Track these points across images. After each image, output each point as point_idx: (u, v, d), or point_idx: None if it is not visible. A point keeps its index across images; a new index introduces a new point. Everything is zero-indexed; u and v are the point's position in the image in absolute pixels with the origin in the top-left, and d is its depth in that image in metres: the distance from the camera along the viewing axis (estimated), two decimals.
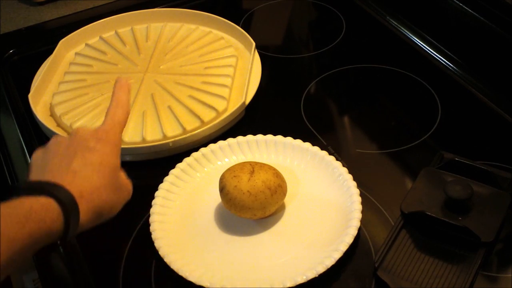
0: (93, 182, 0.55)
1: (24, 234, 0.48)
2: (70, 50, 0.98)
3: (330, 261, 0.62)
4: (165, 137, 0.79)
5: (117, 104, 0.61)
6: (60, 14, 1.11)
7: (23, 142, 0.85)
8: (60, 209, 0.51)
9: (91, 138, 0.58)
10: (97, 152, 0.57)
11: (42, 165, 0.57)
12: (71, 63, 0.94)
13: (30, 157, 0.82)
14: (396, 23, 1.02)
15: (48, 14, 1.12)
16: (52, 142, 0.59)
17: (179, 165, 0.75)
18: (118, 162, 0.58)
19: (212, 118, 0.82)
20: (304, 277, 0.61)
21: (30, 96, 0.86)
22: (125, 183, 0.60)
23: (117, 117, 0.60)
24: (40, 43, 1.04)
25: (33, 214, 0.49)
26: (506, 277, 0.64)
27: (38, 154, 0.59)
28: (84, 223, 0.54)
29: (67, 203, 0.52)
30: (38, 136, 0.85)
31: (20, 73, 0.98)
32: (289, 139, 0.77)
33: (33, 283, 0.88)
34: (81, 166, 0.55)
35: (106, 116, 0.61)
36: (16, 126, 0.87)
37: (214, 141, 0.78)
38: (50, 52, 0.95)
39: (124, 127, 0.61)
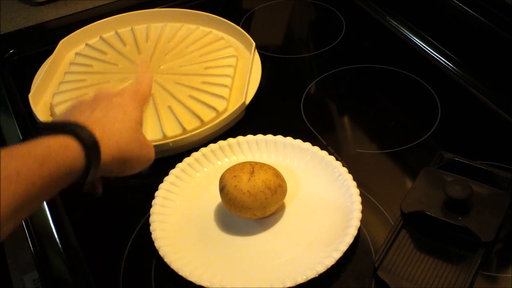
0: (115, 128, 0.56)
1: (43, 173, 0.47)
2: (70, 50, 0.98)
3: (330, 261, 0.62)
4: (165, 137, 0.79)
5: (141, 81, 0.67)
6: (60, 14, 1.11)
7: None
8: (80, 147, 0.50)
9: (113, 94, 0.61)
10: (119, 105, 0.58)
11: (64, 114, 0.58)
12: (71, 63, 0.94)
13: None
14: (396, 23, 1.02)
15: (49, 14, 1.12)
16: (76, 101, 0.61)
17: (179, 165, 0.75)
18: (141, 116, 0.60)
19: (212, 118, 0.82)
20: (304, 277, 0.61)
21: (30, 96, 0.86)
22: (147, 142, 0.61)
23: (141, 92, 0.64)
24: (40, 43, 1.04)
25: (52, 153, 0.48)
26: (506, 277, 0.64)
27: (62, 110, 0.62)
28: (106, 164, 0.53)
29: (87, 140, 0.51)
30: None
31: (20, 73, 0.98)
32: (289, 139, 0.77)
33: (33, 283, 0.88)
34: (104, 114, 0.56)
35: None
36: (16, 126, 0.87)
37: (214, 141, 0.78)
38: (50, 52, 0.95)
39: (144, 104, 0.64)
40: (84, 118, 0.55)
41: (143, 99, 0.63)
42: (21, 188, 0.46)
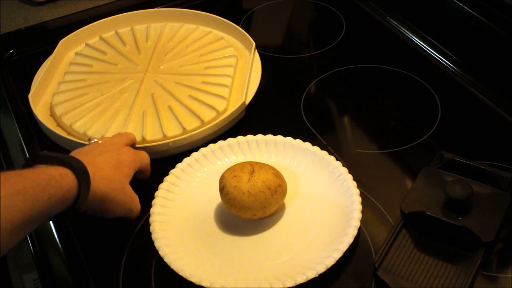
0: (107, 175, 0.64)
1: (44, 196, 0.54)
2: (70, 50, 0.98)
3: (330, 261, 0.62)
4: (165, 137, 0.79)
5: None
6: (60, 14, 1.11)
7: (23, 142, 0.85)
8: (75, 179, 0.58)
9: (124, 146, 0.71)
10: (119, 159, 0.67)
11: (75, 151, 0.68)
12: (71, 63, 0.94)
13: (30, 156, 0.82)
14: (396, 23, 1.02)
15: (48, 14, 1.12)
16: (94, 142, 0.71)
17: (179, 165, 0.75)
18: (130, 173, 0.68)
19: (212, 118, 0.82)
20: (304, 277, 0.61)
21: (30, 96, 0.86)
22: (133, 196, 0.68)
23: (142, 156, 0.73)
24: (40, 43, 1.04)
25: (53, 180, 0.56)
26: (506, 277, 0.64)
27: None
28: (91, 199, 0.61)
29: (81, 174, 0.59)
30: (38, 136, 0.85)
31: (20, 73, 0.98)
32: (289, 139, 0.77)
33: (33, 283, 0.88)
34: (102, 161, 0.65)
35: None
36: (16, 126, 0.87)
37: (214, 141, 0.78)
38: (50, 52, 0.95)
39: (148, 165, 0.73)
40: (87, 158, 0.63)
41: (139, 166, 0.71)
42: (26, 206, 0.53)
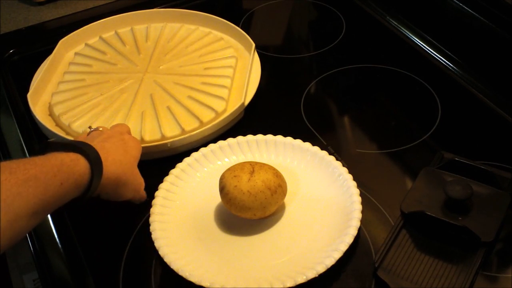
0: (117, 158, 0.65)
1: (56, 182, 0.55)
2: (70, 50, 0.98)
3: (330, 261, 0.62)
4: (163, 137, 0.79)
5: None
6: (60, 14, 1.11)
7: (23, 142, 0.84)
8: (87, 164, 0.59)
9: (126, 133, 0.71)
10: (125, 143, 0.68)
11: (80, 137, 0.70)
12: (70, 63, 0.94)
13: (29, 155, 0.82)
14: (396, 23, 1.02)
15: (48, 14, 1.12)
16: (94, 131, 0.71)
17: (179, 165, 0.75)
18: (137, 156, 0.69)
19: (211, 119, 0.82)
20: (304, 277, 0.61)
21: (29, 95, 0.85)
22: (140, 177, 0.69)
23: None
24: (40, 43, 1.04)
25: (64, 166, 0.57)
26: (506, 277, 0.64)
27: None
28: (104, 184, 0.62)
29: (94, 159, 0.60)
30: (38, 135, 0.85)
31: (20, 73, 0.98)
32: (289, 139, 0.77)
33: (33, 283, 0.88)
34: (111, 146, 0.65)
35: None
36: (16, 125, 0.87)
37: (213, 141, 0.78)
38: (50, 52, 0.95)
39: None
40: (95, 143, 0.64)
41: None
42: (39, 191, 0.54)
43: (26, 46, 1.03)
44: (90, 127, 0.73)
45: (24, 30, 1.08)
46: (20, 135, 0.86)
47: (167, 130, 0.80)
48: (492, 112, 0.83)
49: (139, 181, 0.69)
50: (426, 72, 0.91)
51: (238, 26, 1.00)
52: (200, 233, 0.69)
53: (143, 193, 0.70)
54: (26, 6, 1.15)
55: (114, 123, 0.81)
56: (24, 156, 0.83)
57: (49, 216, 0.73)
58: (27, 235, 0.72)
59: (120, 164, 0.65)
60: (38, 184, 0.53)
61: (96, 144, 0.64)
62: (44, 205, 0.54)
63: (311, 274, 0.61)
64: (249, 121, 0.85)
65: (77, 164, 0.58)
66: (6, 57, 1.01)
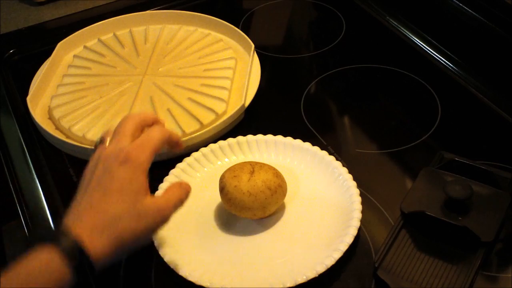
0: (109, 213, 0.55)
1: (38, 286, 0.50)
2: (69, 52, 0.98)
3: (330, 261, 0.62)
4: None
5: (154, 121, 0.64)
6: (61, 14, 1.11)
7: (23, 142, 0.85)
8: (63, 261, 0.51)
9: (114, 161, 0.57)
10: (117, 178, 0.56)
11: (74, 199, 0.58)
12: (69, 66, 0.94)
13: (30, 157, 0.82)
14: (396, 23, 1.02)
15: (48, 14, 1.12)
16: (86, 170, 0.59)
17: (179, 165, 0.75)
18: (141, 185, 0.57)
19: (211, 121, 0.81)
20: (304, 277, 0.61)
21: (28, 99, 0.85)
22: (152, 207, 0.57)
23: (151, 138, 0.60)
24: (40, 43, 1.04)
25: (42, 267, 0.51)
26: (506, 277, 0.64)
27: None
28: (104, 256, 0.54)
29: (72, 253, 0.52)
30: (38, 136, 0.85)
31: (21, 73, 0.98)
32: (289, 139, 0.77)
33: None
34: (100, 198, 0.55)
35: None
36: (17, 126, 0.87)
37: (214, 142, 0.78)
38: (50, 52, 0.95)
39: (160, 146, 0.60)
40: (81, 210, 0.55)
41: (154, 147, 0.60)
42: None
43: (26, 46, 1.03)
44: (102, 138, 0.62)
45: (24, 30, 1.08)
46: (21, 136, 0.86)
47: None
48: (492, 112, 0.83)
49: (153, 215, 0.57)
50: (426, 72, 0.91)
51: (238, 27, 1.00)
52: (200, 233, 0.69)
53: (167, 216, 0.58)
54: (26, 6, 1.15)
55: (114, 125, 0.81)
56: (25, 157, 0.83)
57: (49, 216, 0.74)
58: (27, 235, 0.72)
59: (115, 221, 0.54)
60: None
61: (85, 204, 0.55)
62: None
63: (311, 274, 0.61)
64: (249, 121, 0.84)
65: (52, 263, 0.51)
66: (6, 57, 1.01)
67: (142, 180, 0.57)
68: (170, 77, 0.91)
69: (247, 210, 0.66)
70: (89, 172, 0.58)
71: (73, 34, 0.99)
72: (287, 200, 0.71)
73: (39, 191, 0.77)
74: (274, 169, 0.69)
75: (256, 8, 1.11)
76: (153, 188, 0.72)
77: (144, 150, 0.59)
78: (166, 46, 0.97)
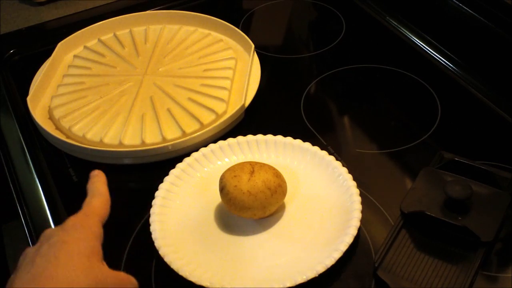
0: (59, 279, 0.47)
1: None
2: (69, 52, 0.98)
3: (330, 261, 0.62)
4: (164, 140, 0.79)
5: (93, 194, 0.58)
6: (61, 14, 1.11)
7: (23, 142, 0.85)
8: None
9: (55, 233, 0.51)
10: (63, 243, 0.49)
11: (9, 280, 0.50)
12: (69, 66, 0.94)
13: (30, 157, 0.82)
14: (396, 23, 1.02)
15: (49, 14, 1.12)
16: (22, 257, 0.51)
17: (179, 165, 0.75)
18: (94, 248, 0.51)
19: (211, 121, 0.81)
20: (304, 277, 0.61)
21: (28, 99, 0.85)
22: (111, 276, 0.51)
23: (92, 206, 0.56)
24: (40, 43, 1.04)
25: None
26: (506, 277, 0.64)
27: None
28: None
29: None
30: (38, 136, 0.85)
31: (21, 73, 0.98)
32: (289, 139, 0.77)
33: None
34: (44, 264, 0.47)
35: (83, 206, 0.56)
36: (17, 126, 0.87)
37: (214, 142, 0.78)
38: (50, 52, 0.95)
39: (104, 217, 0.56)
40: (23, 283, 0.47)
41: (100, 214, 0.55)
42: None
43: (26, 46, 1.03)
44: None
45: (24, 30, 1.08)
46: (21, 136, 0.86)
47: (167, 132, 0.80)
48: (492, 112, 0.84)
49: (116, 283, 0.50)
50: (426, 72, 0.91)
51: (238, 27, 1.00)
52: (200, 233, 0.69)
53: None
54: (26, 6, 1.15)
55: (114, 126, 0.81)
56: (25, 157, 0.83)
57: (49, 216, 0.74)
58: (27, 235, 0.72)
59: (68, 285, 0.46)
60: None
61: (23, 281, 0.47)
62: None
63: (311, 274, 0.61)
64: (249, 122, 0.84)
65: None
66: (6, 57, 1.01)
67: (95, 244, 0.51)
68: (170, 77, 0.91)
69: (247, 210, 0.66)
70: (28, 251, 0.51)
71: (73, 34, 0.99)
72: (287, 200, 0.71)
73: (39, 191, 0.77)
74: (274, 169, 0.69)
75: (256, 8, 1.11)
76: (153, 189, 0.72)
77: (93, 219, 0.54)
78: (166, 46, 0.97)
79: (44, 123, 0.84)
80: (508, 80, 0.85)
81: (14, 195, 0.78)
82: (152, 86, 0.89)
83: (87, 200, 0.57)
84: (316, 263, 0.63)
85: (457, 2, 0.90)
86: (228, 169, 0.69)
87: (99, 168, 0.64)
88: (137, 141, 0.79)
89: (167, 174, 0.74)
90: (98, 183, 0.59)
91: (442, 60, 0.93)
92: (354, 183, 0.70)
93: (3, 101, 0.92)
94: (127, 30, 1.01)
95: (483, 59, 0.89)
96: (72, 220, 0.53)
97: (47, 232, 0.52)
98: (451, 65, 0.92)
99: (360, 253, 0.66)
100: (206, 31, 1.00)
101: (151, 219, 0.68)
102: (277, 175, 0.68)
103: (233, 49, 0.96)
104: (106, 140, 0.79)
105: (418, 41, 0.97)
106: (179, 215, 0.71)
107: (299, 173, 0.75)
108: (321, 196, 0.72)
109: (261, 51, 0.96)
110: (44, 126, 0.82)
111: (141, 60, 0.95)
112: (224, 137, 0.79)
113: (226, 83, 0.88)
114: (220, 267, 0.65)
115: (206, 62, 0.93)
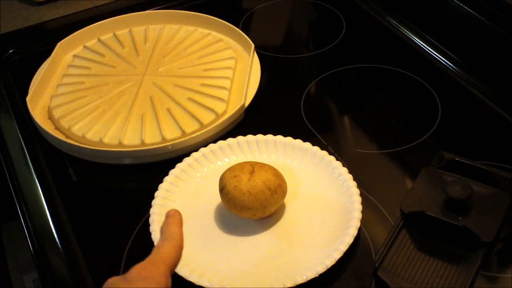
0: None
1: None
2: (68, 52, 0.98)
3: (330, 261, 0.62)
4: (164, 140, 0.79)
5: (164, 237, 0.53)
6: (60, 14, 1.11)
7: (23, 142, 0.85)
8: None
9: (117, 283, 0.49)
10: None
11: None
12: (69, 66, 0.94)
13: (30, 157, 0.82)
14: (396, 23, 1.02)
15: (48, 14, 1.12)
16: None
17: (179, 165, 0.75)
18: None
19: (211, 121, 0.81)
20: (304, 277, 0.61)
21: (28, 99, 0.85)
22: None
23: (161, 252, 0.52)
24: (40, 43, 1.04)
25: None
26: (506, 277, 0.64)
27: None
28: None
29: None
30: (38, 136, 0.85)
31: (20, 73, 0.98)
32: (289, 139, 0.77)
33: (33, 283, 0.88)
34: None
35: (152, 251, 0.52)
36: (16, 126, 0.87)
37: (214, 142, 0.78)
38: (50, 52, 0.95)
39: (174, 265, 0.51)
40: None
41: (171, 263, 0.51)
42: None
43: (26, 46, 1.03)
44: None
45: (24, 30, 1.08)
46: (20, 136, 0.86)
47: (167, 132, 0.80)
48: (492, 112, 0.83)
49: None
50: (426, 72, 0.91)
51: (238, 26, 1.00)
52: (200, 233, 0.69)
53: None
54: (26, 6, 1.15)
55: (114, 125, 0.81)
56: (24, 157, 0.82)
57: (49, 216, 0.74)
58: (27, 235, 0.72)
59: None
60: None
61: None
62: None
63: (311, 274, 0.61)
64: (249, 122, 0.84)
65: None
66: (6, 57, 1.01)
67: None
68: (170, 77, 0.91)
69: (247, 210, 0.66)
70: None
71: (73, 34, 0.98)
72: (287, 200, 0.70)
73: (39, 191, 0.77)
74: (274, 169, 0.69)
75: (256, 8, 1.11)
76: (153, 189, 0.72)
77: (161, 268, 0.50)
78: (166, 46, 0.97)
79: (43, 123, 0.83)
80: (508, 80, 0.85)
81: (14, 195, 0.78)
82: (151, 86, 0.89)
83: (158, 244, 0.53)
84: (316, 263, 0.63)
85: (458, 2, 0.90)
86: (228, 169, 0.69)
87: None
88: (136, 141, 0.79)
89: (166, 174, 0.74)
90: (172, 224, 0.55)
91: (443, 60, 0.93)
92: (354, 183, 0.70)
93: (2, 101, 0.92)
94: (127, 30, 1.01)
95: (484, 59, 0.89)
96: (137, 269, 0.49)
97: (109, 281, 0.49)
98: (451, 65, 0.92)
99: (360, 253, 0.66)
100: (206, 31, 1.00)
101: (151, 219, 0.68)
102: (277, 175, 0.68)
103: (233, 49, 0.96)
104: (106, 140, 0.79)
105: (419, 41, 0.97)
106: None
107: (299, 173, 0.75)
108: (321, 196, 0.71)
109: (261, 51, 0.96)
110: (44, 126, 0.82)
111: (140, 60, 0.95)
112: (224, 137, 0.79)
113: (226, 83, 0.88)
114: (220, 267, 0.65)
115: (206, 62, 0.93)
